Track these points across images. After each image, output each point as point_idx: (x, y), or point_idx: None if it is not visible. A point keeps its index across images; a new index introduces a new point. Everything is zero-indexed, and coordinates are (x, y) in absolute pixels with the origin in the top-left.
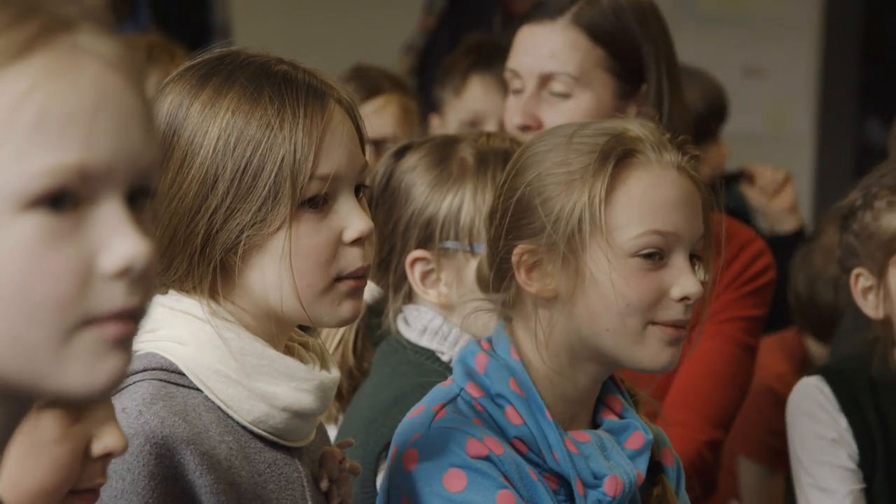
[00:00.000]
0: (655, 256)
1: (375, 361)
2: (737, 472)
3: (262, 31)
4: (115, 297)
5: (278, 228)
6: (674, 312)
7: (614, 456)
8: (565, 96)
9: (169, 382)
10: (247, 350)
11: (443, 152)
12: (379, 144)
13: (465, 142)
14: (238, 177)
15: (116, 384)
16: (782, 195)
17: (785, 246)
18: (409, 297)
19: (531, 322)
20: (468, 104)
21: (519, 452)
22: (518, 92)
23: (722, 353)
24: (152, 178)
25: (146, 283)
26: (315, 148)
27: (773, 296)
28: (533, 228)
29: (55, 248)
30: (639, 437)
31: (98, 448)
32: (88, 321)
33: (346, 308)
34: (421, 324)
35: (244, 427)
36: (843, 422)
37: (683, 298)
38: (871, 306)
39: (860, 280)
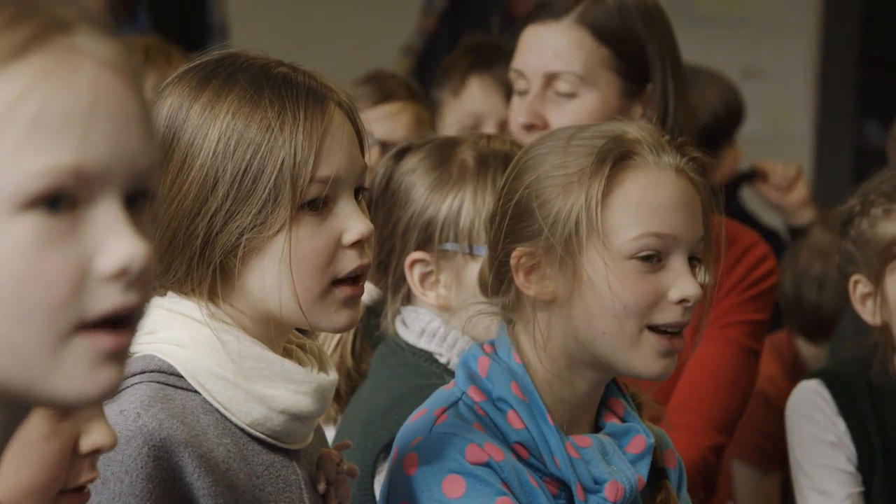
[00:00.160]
0: (653, 259)
1: (373, 363)
2: (731, 473)
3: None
4: (110, 297)
5: (278, 231)
6: (672, 315)
7: (615, 460)
8: (570, 96)
9: (167, 385)
10: (245, 352)
11: (443, 154)
12: (387, 147)
13: (466, 144)
14: (238, 179)
15: (110, 395)
16: (796, 190)
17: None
18: (408, 298)
19: (530, 325)
20: (467, 105)
21: (520, 457)
22: (523, 92)
23: (725, 357)
24: (151, 181)
25: (144, 284)
26: (315, 151)
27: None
28: (531, 231)
29: (51, 249)
30: (640, 441)
31: (86, 444)
32: (83, 325)
33: (344, 316)
34: (419, 326)
35: (242, 429)
36: (841, 425)
37: (682, 301)
38: (869, 312)
39: (858, 286)
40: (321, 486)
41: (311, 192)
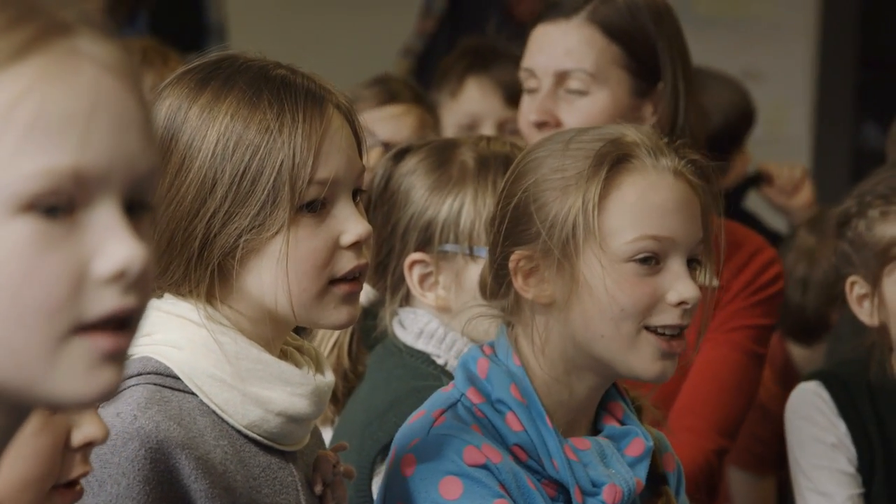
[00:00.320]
0: (651, 261)
1: (371, 365)
2: (727, 478)
3: (259, 34)
4: (108, 299)
5: (276, 233)
6: (671, 317)
7: (614, 463)
8: (582, 94)
9: (164, 387)
10: (242, 354)
11: (443, 155)
12: (390, 148)
13: (466, 145)
14: (237, 181)
15: (109, 396)
16: (801, 193)
17: None
18: (406, 299)
19: (529, 328)
20: (464, 107)
21: (518, 459)
22: (533, 91)
23: (730, 361)
24: (151, 188)
25: (142, 287)
26: (314, 152)
27: None
28: (529, 234)
29: (49, 252)
30: (639, 443)
31: (78, 437)
32: (81, 327)
33: (343, 313)
34: (417, 327)
35: (239, 431)
36: (842, 426)
37: (680, 303)
38: (866, 313)
39: (855, 287)
40: (318, 488)
41: (310, 193)
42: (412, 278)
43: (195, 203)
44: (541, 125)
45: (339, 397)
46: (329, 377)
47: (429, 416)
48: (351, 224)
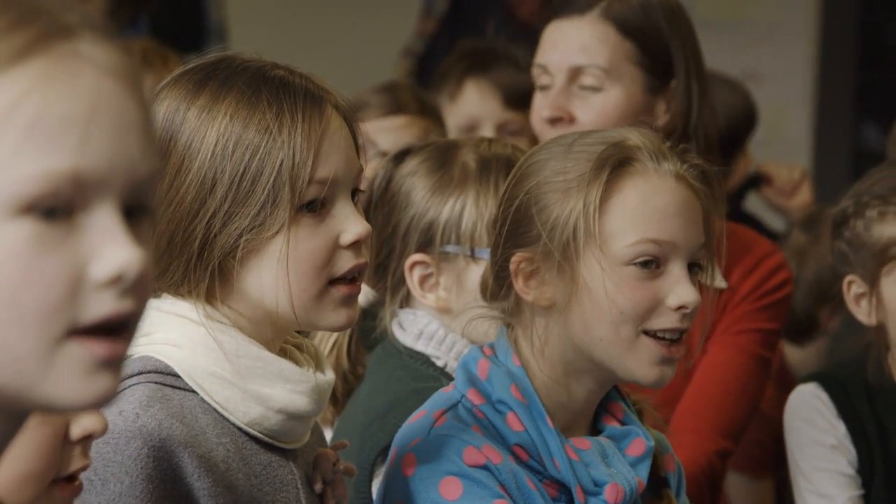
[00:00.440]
0: (651, 265)
1: (370, 366)
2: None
3: (259, 34)
4: (104, 303)
5: (276, 232)
6: (670, 321)
7: (615, 463)
8: (595, 90)
9: (164, 385)
10: (241, 352)
11: (444, 157)
12: None
13: (467, 147)
14: (237, 181)
15: (106, 402)
16: (800, 193)
17: None
18: (406, 300)
19: (529, 331)
20: (463, 109)
21: (519, 460)
22: (546, 88)
23: (735, 365)
24: (150, 192)
25: (140, 292)
26: (314, 152)
27: None
28: (530, 237)
29: (47, 255)
30: (640, 443)
31: (77, 431)
32: (76, 330)
33: (342, 315)
34: (417, 328)
35: (240, 429)
36: (841, 428)
37: (680, 307)
38: (863, 313)
39: (853, 287)
40: (318, 486)
41: (310, 193)
42: (413, 279)
43: (195, 203)
44: (554, 121)
45: (338, 398)
46: (329, 375)
47: (429, 416)
48: (350, 223)
